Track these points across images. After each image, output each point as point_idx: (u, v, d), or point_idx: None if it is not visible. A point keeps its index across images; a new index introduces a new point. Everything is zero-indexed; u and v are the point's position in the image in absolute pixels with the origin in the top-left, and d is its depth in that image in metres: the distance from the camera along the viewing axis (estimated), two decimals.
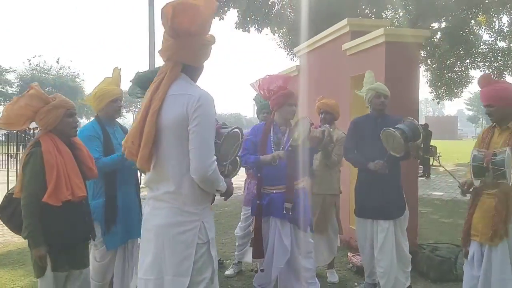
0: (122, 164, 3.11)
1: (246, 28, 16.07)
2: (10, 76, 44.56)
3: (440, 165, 3.84)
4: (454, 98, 23.88)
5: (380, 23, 5.64)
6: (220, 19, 15.65)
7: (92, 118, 3.60)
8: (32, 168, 2.64)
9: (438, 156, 19.91)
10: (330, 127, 4.26)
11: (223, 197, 2.39)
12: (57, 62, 46.57)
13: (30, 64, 45.96)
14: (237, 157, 2.83)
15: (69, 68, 47.27)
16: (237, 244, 4.74)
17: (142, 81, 2.56)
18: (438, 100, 23.75)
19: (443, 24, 18.62)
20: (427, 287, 4.30)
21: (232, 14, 16.69)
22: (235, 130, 2.45)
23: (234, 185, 2.39)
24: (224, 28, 17.93)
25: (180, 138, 2.04)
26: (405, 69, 4.74)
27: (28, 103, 2.72)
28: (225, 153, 2.42)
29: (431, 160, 19.10)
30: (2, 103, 44.50)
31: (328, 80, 6.07)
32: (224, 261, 5.05)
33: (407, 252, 3.95)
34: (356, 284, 4.31)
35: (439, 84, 22.83)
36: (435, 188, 11.65)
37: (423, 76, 23.91)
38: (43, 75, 44.78)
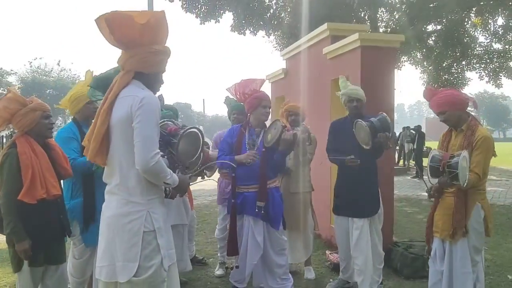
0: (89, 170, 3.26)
1: (242, 31, 16.23)
2: (11, 79, 44.75)
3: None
4: None
5: (359, 27, 5.79)
6: (216, 22, 15.82)
7: (69, 121, 3.75)
8: (8, 168, 2.80)
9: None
10: (299, 127, 4.42)
11: (178, 193, 2.56)
12: (58, 64, 46.79)
13: (31, 66, 46.19)
14: (214, 162, 2.99)
15: (70, 70, 47.35)
16: (218, 246, 4.89)
17: (102, 84, 2.68)
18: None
19: (439, 26, 18.72)
20: (399, 283, 4.43)
21: (228, 17, 16.79)
22: (192, 129, 2.61)
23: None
24: (220, 30, 18.09)
25: (126, 134, 2.22)
26: (381, 72, 4.88)
27: (6, 105, 2.87)
28: (183, 152, 2.57)
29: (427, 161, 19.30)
30: None
31: (311, 83, 6.22)
32: (207, 260, 5.20)
33: (380, 250, 4.11)
34: (331, 280, 4.45)
35: (435, 85, 22.98)
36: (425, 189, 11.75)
37: (420, 78, 24.07)
38: (44, 77, 45.01)
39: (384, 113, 3.85)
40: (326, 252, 5.10)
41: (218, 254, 4.89)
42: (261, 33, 16.46)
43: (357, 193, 3.98)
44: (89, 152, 2.29)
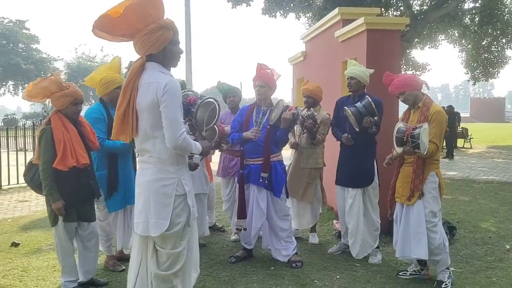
0: (123, 150, 3.81)
1: (273, 14, 16.50)
2: (58, 64, 47.05)
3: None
4: (491, 79, 23.29)
5: (369, 11, 6.02)
6: (247, 5, 16.16)
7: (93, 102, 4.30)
8: (45, 142, 3.38)
9: (470, 138, 19.66)
10: (314, 109, 4.80)
11: (203, 156, 3.03)
12: (101, 50, 49.25)
13: (76, 53, 48.42)
14: (215, 126, 3.40)
15: (112, 55, 48.92)
16: (230, 216, 5.40)
17: None
18: (474, 81, 23.27)
19: (476, 4, 18.18)
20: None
21: (259, 1, 17.04)
22: (209, 99, 2.98)
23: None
24: (251, 14, 18.41)
25: (154, 117, 2.58)
26: (386, 54, 5.14)
27: (47, 86, 3.42)
28: (201, 120, 2.97)
29: (463, 142, 19.02)
30: None
31: (326, 64, 6.54)
32: (225, 228, 5.72)
33: (375, 217, 4.48)
34: (334, 246, 4.86)
35: (474, 65, 22.37)
36: (452, 168, 11.78)
37: (458, 57, 23.48)
38: (89, 63, 46.87)
39: (368, 97, 4.19)
40: (334, 221, 5.51)
41: (231, 224, 5.40)
42: (292, 15, 16.65)
43: (353, 166, 4.40)
44: (113, 132, 2.68)
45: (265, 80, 4.31)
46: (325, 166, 5.11)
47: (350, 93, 4.54)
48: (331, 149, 5.43)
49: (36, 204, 7.53)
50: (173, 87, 2.55)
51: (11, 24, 43.52)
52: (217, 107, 3.06)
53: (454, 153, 14.66)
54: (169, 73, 2.70)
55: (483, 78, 22.97)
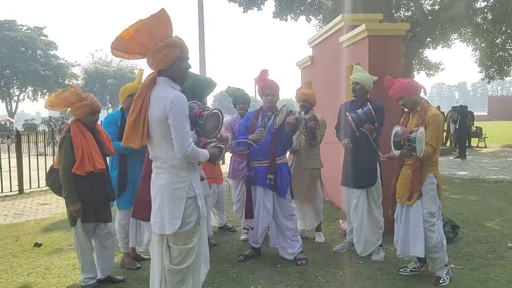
0: (126, 151, 4.05)
1: (283, 17, 16.72)
2: (76, 70, 48.07)
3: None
4: (506, 77, 23.09)
5: (372, 17, 6.19)
6: (258, 10, 16.41)
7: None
8: (65, 149, 3.67)
9: (484, 137, 19.56)
10: (309, 113, 5.01)
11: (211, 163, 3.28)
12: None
13: (93, 58, 49.34)
14: (224, 140, 3.64)
15: (128, 60, 49.99)
16: (240, 217, 5.63)
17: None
18: (488, 80, 23.12)
19: (488, 3, 18.09)
20: None
21: (270, 4, 17.26)
22: (215, 111, 3.23)
23: None
24: (263, 18, 18.67)
25: (165, 129, 2.82)
26: (387, 59, 5.31)
27: (67, 97, 3.72)
28: (208, 130, 3.22)
29: (477, 141, 18.94)
30: None
31: (331, 69, 6.74)
32: (236, 228, 5.95)
33: (379, 217, 4.67)
34: (339, 244, 5.05)
35: (489, 63, 22.22)
36: (463, 168, 11.83)
37: (471, 56, 23.33)
38: (105, 68, 47.80)
39: (369, 105, 4.37)
40: (340, 221, 5.70)
41: (241, 224, 5.63)
42: (302, 18, 16.85)
43: (356, 168, 4.60)
44: (123, 138, 2.94)
45: (275, 89, 4.56)
46: (322, 166, 5.31)
47: (354, 98, 4.73)
48: (326, 150, 5.65)
49: (56, 207, 7.90)
50: (179, 102, 2.79)
51: (30, 31, 44.64)
52: (221, 117, 3.32)
53: (467, 153, 14.66)
54: (178, 87, 2.93)
55: (498, 77, 22.78)
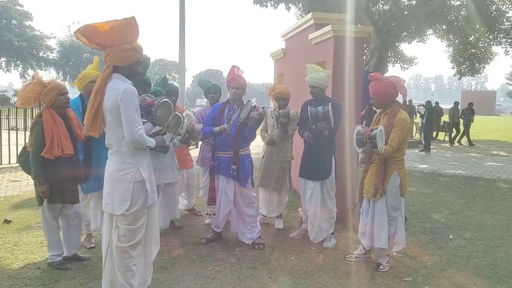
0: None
1: (264, 4, 16.84)
2: (51, 42, 46.93)
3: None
4: (476, 74, 23.81)
5: (339, 16, 6.49)
6: None
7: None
8: (36, 133, 3.87)
9: (451, 136, 20.09)
10: (285, 109, 5.29)
11: (161, 151, 3.64)
12: None
13: (69, 31, 48.17)
14: (182, 117, 3.92)
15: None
16: (200, 194, 5.97)
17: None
18: (459, 76, 23.80)
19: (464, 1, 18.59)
20: (350, 235, 5.35)
21: None
22: (164, 99, 3.46)
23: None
24: (244, 3, 18.73)
25: (117, 118, 3.12)
26: (350, 58, 5.62)
27: (32, 88, 3.92)
28: (160, 117, 3.46)
29: (444, 135, 19.66)
30: (43, 68, 47.02)
31: (301, 64, 6.99)
32: (202, 212, 6.24)
33: (332, 207, 5.02)
34: (296, 231, 5.41)
35: (461, 60, 22.87)
36: (425, 161, 12.38)
37: (445, 51, 23.94)
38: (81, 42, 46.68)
39: (329, 106, 4.67)
40: (299, 209, 6.06)
41: (206, 208, 5.93)
42: (282, 6, 17.00)
43: (312, 161, 4.94)
44: (84, 128, 3.23)
45: (241, 83, 4.82)
46: (293, 159, 5.63)
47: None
48: (299, 144, 5.96)
49: (26, 184, 8.03)
50: (129, 93, 3.12)
51: (4, 0, 43.23)
52: (171, 104, 3.58)
53: (432, 146, 15.26)
54: (129, 82, 3.23)
55: (468, 73, 23.48)
